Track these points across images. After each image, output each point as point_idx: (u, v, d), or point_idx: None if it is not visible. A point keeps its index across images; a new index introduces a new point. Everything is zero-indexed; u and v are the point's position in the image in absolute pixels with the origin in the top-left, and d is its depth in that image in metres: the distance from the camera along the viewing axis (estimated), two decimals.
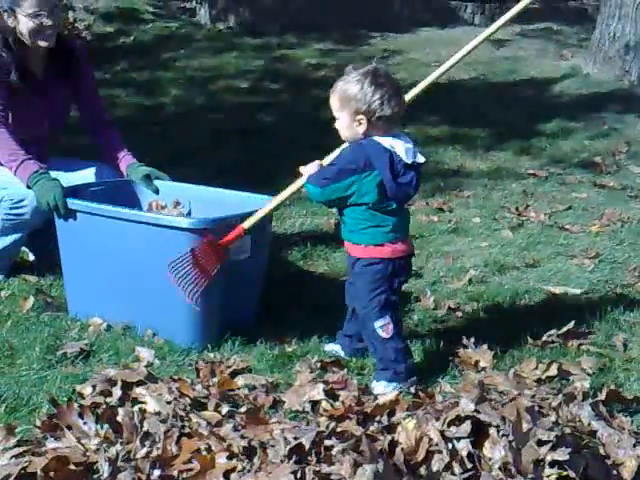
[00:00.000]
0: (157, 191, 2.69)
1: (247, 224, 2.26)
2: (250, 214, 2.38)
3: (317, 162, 2.17)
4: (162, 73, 6.75)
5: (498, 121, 5.63)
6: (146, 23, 8.26)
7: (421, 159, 2.10)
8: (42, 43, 2.63)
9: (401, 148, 2.07)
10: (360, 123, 2.07)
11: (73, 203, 2.39)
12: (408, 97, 2.18)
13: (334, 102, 2.10)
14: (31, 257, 2.93)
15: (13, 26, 2.60)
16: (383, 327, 2.11)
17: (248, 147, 4.72)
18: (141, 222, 2.28)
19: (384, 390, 2.04)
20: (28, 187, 2.50)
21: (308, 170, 2.17)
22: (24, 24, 2.59)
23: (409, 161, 2.07)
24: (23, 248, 2.91)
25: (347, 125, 2.09)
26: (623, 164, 4.89)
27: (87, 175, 2.80)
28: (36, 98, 2.70)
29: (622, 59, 6.43)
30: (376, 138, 2.08)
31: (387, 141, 2.07)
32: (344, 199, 2.11)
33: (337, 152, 2.18)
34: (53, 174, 2.53)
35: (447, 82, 6.71)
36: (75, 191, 2.49)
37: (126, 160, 2.77)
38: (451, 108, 5.88)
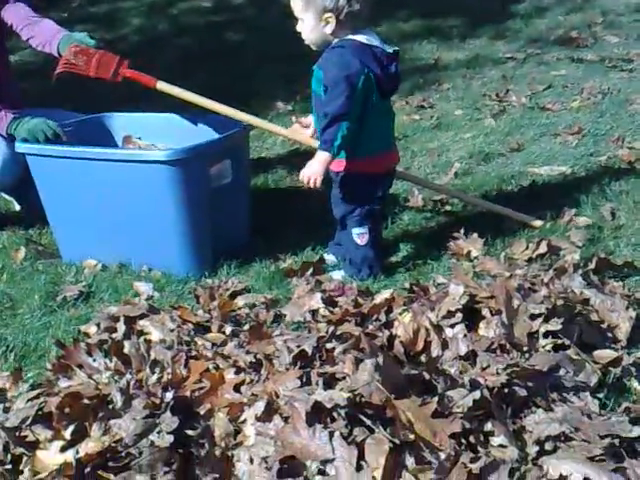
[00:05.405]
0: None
1: (162, 86, 2.37)
2: (225, 137, 2.35)
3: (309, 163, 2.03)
4: (121, 3, 6.50)
5: (471, 8, 5.47)
6: None
7: (395, 48, 2.07)
8: None
9: (377, 41, 2.02)
10: (327, 22, 1.97)
11: (47, 148, 2.34)
12: None
13: (296, 2, 2.00)
14: (17, 207, 2.91)
15: None
16: (360, 235, 2.17)
17: (219, 69, 4.60)
18: (118, 160, 2.24)
19: (340, 277, 2.17)
20: (9, 135, 2.43)
21: (310, 169, 2.03)
22: None
23: (391, 50, 2.02)
24: (9, 198, 2.90)
25: (312, 26, 2.00)
26: (599, 35, 4.79)
27: None
28: None
29: None
30: (351, 37, 2.00)
31: (362, 38, 2.00)
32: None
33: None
34: None
35: None
36: None
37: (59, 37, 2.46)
38: (421, 0, 5.69)
